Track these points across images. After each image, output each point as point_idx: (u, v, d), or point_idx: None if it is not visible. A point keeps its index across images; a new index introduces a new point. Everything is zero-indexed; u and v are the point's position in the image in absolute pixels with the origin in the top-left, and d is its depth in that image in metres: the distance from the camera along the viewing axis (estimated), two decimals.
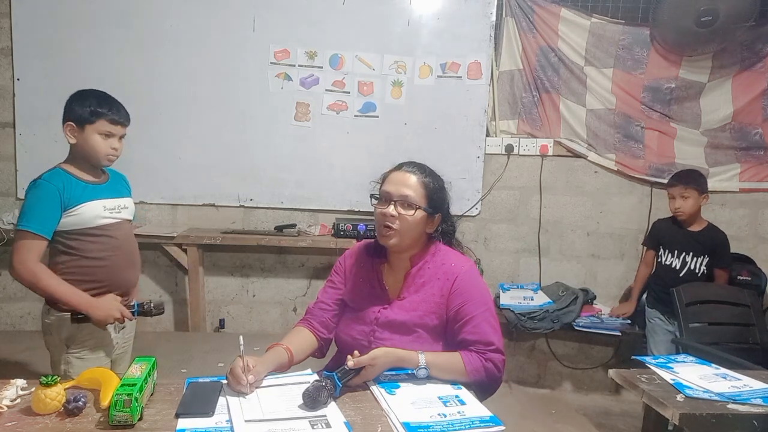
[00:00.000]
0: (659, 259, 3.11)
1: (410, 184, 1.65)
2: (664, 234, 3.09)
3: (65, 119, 1.92)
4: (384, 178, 1.71)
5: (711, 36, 3.28)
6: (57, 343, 1.95)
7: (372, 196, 1.72)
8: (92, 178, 1.97)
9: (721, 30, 3.24)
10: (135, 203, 2.16)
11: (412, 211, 1.63)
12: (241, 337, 1.49)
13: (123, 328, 2.07)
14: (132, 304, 2.00)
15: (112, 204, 1.99)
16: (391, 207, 1.63)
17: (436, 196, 1.68)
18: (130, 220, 2.09)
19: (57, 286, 1.86)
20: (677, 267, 3.01)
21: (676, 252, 3.02)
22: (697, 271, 2.97)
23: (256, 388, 1.47)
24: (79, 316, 1.89)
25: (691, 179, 2.94)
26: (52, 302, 1.94)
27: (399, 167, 1.70)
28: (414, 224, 1.64)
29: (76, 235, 1.90)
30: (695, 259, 2.97)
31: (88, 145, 1.91)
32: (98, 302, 1.91)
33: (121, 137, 1.97)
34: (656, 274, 3.17)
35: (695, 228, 2.99)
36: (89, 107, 1.89)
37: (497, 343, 1.61)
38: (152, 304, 2.00)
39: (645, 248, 3.32)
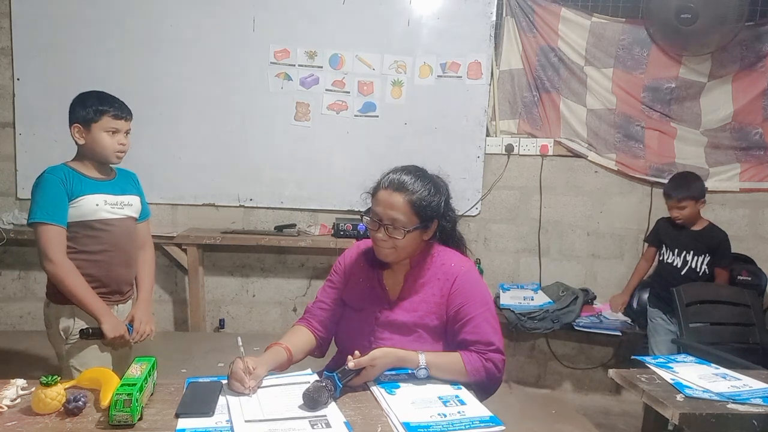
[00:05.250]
0: (661, 257, 3.13)
1: (397, 207, 1.58)
2: (666, 232, 3.10)
3: (71, 122, 1.95)
4: (374, 192, 1.65)
5: (693, 36, 3.23)
6: (57, 335, 1.98)
7: (363, 214, 1.68)
8: (98, 175, 2.00)
9: (703, 31, 3.19)
10: None
11: (403, 233, 1.59)
12: (239, 338, 1.49)
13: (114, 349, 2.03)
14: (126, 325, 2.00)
15: (115, 200, 2.01)
16: (381, 232, 1.60)
17: (426, 210, 1.61)
18: (135, 218, 2.10)
19: (82, 288, 1.89)
20: (678, 265, 3.02)
21: (677, 250, 3.04)
22: (698, 269, 2.98)
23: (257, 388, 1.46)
24: (89, 332, 1.90)
25: (685, 192, 2.92)
26: (51, 294, 1.97)
27: (385, 182, 1.62)
28: (407, 242, 1.61)
29: (74, 228, 1.93)
30: (696, 257, 2.98)
31: (97, 144, 1.94)
32: (112, 315, 1.95)
33: (127, 132, 2.00)
34: (658, 272, 3.18)
35: (696, 227, 3.01)
36: (92, 106, 1.92)
37: (497, 343, 1.61)
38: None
39: (647, 245, 3.34)
